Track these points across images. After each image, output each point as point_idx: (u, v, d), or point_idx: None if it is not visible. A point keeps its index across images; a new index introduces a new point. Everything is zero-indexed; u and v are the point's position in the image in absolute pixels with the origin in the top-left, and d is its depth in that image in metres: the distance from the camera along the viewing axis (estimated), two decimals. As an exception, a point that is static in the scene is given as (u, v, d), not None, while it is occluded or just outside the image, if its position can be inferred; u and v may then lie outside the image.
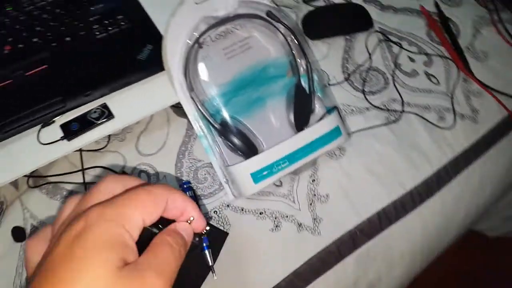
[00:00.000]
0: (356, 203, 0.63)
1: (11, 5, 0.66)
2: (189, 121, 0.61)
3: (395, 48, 0.75)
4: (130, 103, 0.60)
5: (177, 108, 0.65)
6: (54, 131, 0.58)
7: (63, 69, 0.61)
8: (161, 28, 0.64)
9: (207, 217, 0.61)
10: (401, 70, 0.73)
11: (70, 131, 0.58)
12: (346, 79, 0.71)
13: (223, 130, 0.59)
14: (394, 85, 0.71)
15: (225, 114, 0.61)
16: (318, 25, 0.74)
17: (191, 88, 0.58)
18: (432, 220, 0.66)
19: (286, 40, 0.62)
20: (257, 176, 0.57)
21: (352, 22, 0.76)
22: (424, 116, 0.69)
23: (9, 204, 0.61)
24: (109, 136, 0.65)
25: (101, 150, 0.64)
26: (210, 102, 0.61)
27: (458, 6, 0.80)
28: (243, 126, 0.61)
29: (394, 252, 0.64)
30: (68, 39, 0.63)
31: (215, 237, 0.59)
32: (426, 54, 0.75)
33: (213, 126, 0.59)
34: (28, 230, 0.60)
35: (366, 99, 0.70)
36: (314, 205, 0.62)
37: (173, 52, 0.60)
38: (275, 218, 0.61)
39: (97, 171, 0.63)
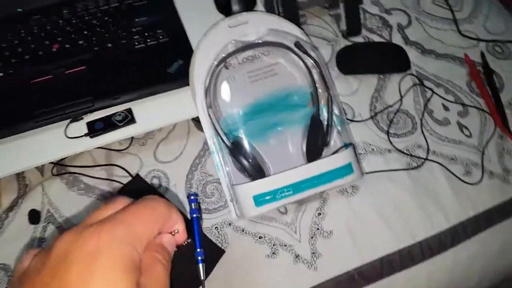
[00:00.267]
0: (360, 245, 0.62)
1: (67, 9, 0.73)
2: (206, 136, 0.63)
3: (430, 94, 0.73)
4: (153, 111, 0.63)
5: (198, 122, 0.67)
6: (80, 127, 0.62)
7: (98, 71, 0.65)
8: (194, 45, 0.67)
9: (208, 232, 0.62)
10: (432, 116, 0.71)
11: (94, 129, 0.62)
12: (372, 118, 0.70)
13: (234, 149, 0.60)
14: (422, 131, 0.69)
15: (239, 135, 0.62)
16: (353, 60, 0.74)
17: (209, 105, 0.60)
18: (439, 277, 0.63)
19: (310, 71, 0.63)
20: (259, 200, 0.58)
21: (389, 62, 0.75)
22: (449, 168, 0.66)
23: (32, 187, 0.66)
24: (132, 138, 0.68)
25: (123, 150, 0.68)
26: (226, 121, 0.62)
27: (506, 59, 0.77)
28: (253, 149, 0.62)
29: (391, 303, 0.61)
30: (109, 45, 0.68)
31: (211, 253, 0.60)
32: (463, 104, 0.72)
33: (225, 144, 0.60)
34: (43, 215, 0.64)
35: (390, 140, 0.69)
36: (315, 239, 0.61)
37: (200, 69, 0.62)
38: (273, 245, 0.61)
39: (115, 170, 0.66)
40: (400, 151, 0.68)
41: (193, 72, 0.63)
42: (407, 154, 0.67)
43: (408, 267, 0.61)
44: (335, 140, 0.64)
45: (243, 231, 0.62)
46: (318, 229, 0.62)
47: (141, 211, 0.35)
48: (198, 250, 0.52)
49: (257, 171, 0.60)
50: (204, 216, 0.63)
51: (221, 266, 0.60)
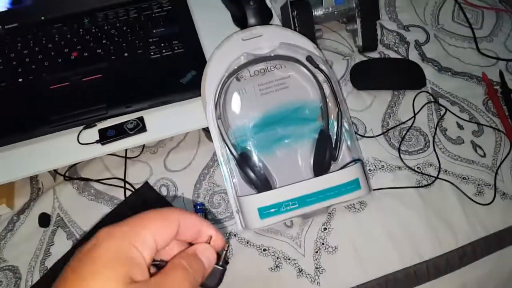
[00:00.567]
0: (365, 262, 0.61)
1: (88, 18, 0.75)
2: (216, 146, 0.64)
3: (444, 112, 0.72)
4: (164, 120, 0.65)
5: (208, 132, 0.68)
6: (93, 133, 0.64)
7: (114, 80, 0.67)
8: (208, 56, 0.68)
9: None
10: (445, 135, 0.70)
11: (106, 136, 0.63)
12: (384, 134, 0.70)
13: (241, 160, 0.60)
14: (434, 149, 0.68)
15: (247, 147, 0.63)
16: (367, 75, 0.74)
17: (219, 116, 0.61)
18: (446, 299, 0.61)
19: (321, 86, 0.63)
20: (263, 212, 0.58)
21: (404, 78, 0.75)
22: (460, 187, 0.65)
23: (45, 191, 0.68)
24: (143, 146, 0.70)
25: (133, 158, 0.69)
26: (235, 133, 0.63)
27: (525, 79, 0.75)
28: (260, 161, 0.62)
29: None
30: (126, 54, 0.70)
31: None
32: (478, 123, 0.71)
33: (232, 155, 0.61)
34: (53, 219, 0.66)
35: (400, 158, 0.68)
36: (319, 254, 0.61)
37: (211, 80, 0.63)
38: (277, 258, 0.61)
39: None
40: (410, 168, 0.67)
41: (205, 83, 0.64)
42: (418, 172, 0.67)
43: (413, 287, 0.60)
44: (344, 155, 0.64)
45: (247, 242, 0.62)
46: (323, 244, 0.62)
47: (150, 216, 0.34)
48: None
49: (263, 184, 0.60)
50: (209, 226, 0.63)
51: (224, 277, 0.60)
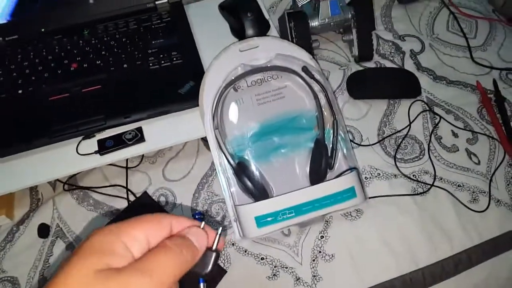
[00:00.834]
0: (362, 269, 0.61)
1: (87, 30, 0.76)
2: (214, 155, 0.64)
3: (439, 120, 0.73)
4: (162, 130, 0.65)
5: (207, 142, 0.69)
6: (92, 144, 0.65)
7: (112, 91, 0.68)
8: (206, 67, 0.69)
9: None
10: (440, 143, 0.71)
11: (105, 147, 0.64)
12: (380, 142, 0.71)
13: (238, 170, 0.61)
14: (429, 157, 0.69)
15: (244, 156, 0.63)
16: (363, 85, 0.75)
17: (216, 126, 0.62)
18: (442, 306, 0.62)
19: (317, 96, 0.64)
20: (260, 221, 0.59)
21: (399, 87, 0.76)
22: (455, 195, 0.66)
23: (44, 202, 0.69)
24: (142, 156, 0.70)
25: (132, 168, 0.70)
26: (232, 143, 0.64)
27: (518, 88, 0.76)
28: (257, 170, 0.63)
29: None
30: (125, 65, 0.71)
31: (213, 273, 0.61)
32: (472, 131, 0.72)
33: (230, 164, 0.61)
34: (53, 230, 0.66)
35: (396, 166, 0.69)
36: (316, 262, 0.62)
37: (209, 90, 0.64)
38: (275, 267, 0.62)
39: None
40: (406, 176, 0.68)
41: (202, 93, 0.64)
42: (414, 180, 0.67)
43: (409, 294, 0.61)
44: (340, 164, 0.65)
45: (245, 251, 0.63)
46: (320, 252, 0.62)
47: (143, 218, 0.34)
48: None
49: (260, 193, 0.61)
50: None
51: (222, 286, 0.60)
